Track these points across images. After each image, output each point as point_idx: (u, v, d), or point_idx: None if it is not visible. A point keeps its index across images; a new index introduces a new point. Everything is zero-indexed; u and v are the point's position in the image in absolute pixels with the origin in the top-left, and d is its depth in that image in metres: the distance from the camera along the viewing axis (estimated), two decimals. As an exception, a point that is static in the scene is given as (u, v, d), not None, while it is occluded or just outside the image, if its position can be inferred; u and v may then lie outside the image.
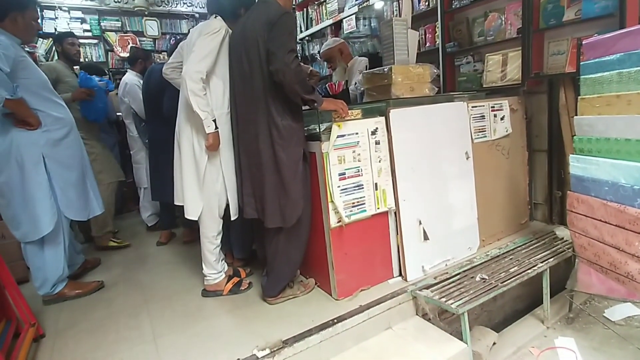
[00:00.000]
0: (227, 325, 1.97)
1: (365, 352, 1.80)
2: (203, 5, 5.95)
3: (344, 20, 4.28)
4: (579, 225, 1.93)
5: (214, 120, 1.96)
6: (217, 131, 1.97)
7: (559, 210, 2.82)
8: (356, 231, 2.06)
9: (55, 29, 4.91)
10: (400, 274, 2.23)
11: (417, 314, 2.04)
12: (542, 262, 2.17)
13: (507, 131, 2.60)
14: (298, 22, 5.26)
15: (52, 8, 5.07)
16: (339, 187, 1.98)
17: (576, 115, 1.91)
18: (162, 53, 5.76)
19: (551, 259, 2.20)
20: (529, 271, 2.10)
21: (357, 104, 2.86)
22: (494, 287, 1.98)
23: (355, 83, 3.13)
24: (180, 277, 2.56)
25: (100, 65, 4.45)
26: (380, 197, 2.11)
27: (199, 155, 2.05)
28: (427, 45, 3.60)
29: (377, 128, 2.08)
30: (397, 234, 2.19)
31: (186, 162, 2.09)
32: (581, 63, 1.87)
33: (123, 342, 1.87)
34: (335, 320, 1.84)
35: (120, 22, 5.62)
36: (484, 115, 2.48)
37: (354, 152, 2.02)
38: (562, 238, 2.48)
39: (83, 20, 5.34)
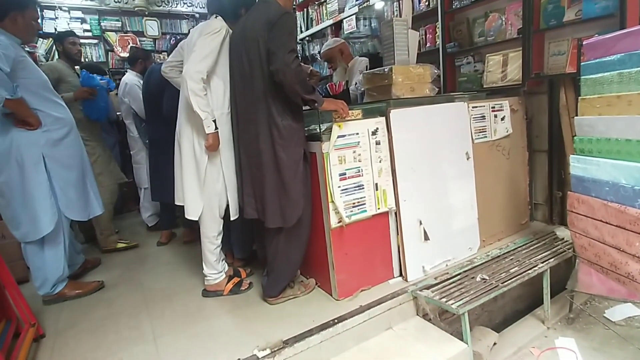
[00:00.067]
0: (228, 325, 1.96)
1: (365, 352, 1.80)
2: (203, 5, 5.95)
3: (345, 21, 4.28)
4: (579, 225, 1.93)
5: (214, 121, 1.96)
6: (217, 131, 1.97)
7: (560, 211, 2.82)
8: (357, 231, 2.06)
9: (55, 29, 4.91)
10: (401, 274, 2.23)
11: (417, 314, 2.04)
12: (542, 263, 2.17)
13: (507, 131, 2.60)
14: (298, 22, 5.26)
15: (52, 8, 5.07)
16: (339, 187, 1.98)
17: (576, 115, 1.91)
18: (162, 53, 5.76)
19: (551, 260, 2.20)
20: (529, 271, 2.10)
21: (358, 104, 2.87)
22: (495, 287, 1.97)
23: (356, 83, 3.13)
24: (181, 277, 2.56)
25: (100, 65, 4.45)
26: (380, 198, 2.11)
27: (200, 155, 2.05)
28: (428, 45, 3.60)
29: (377, 128, 2.08)
30: (398, 234, 2.19)
31: (187, 162, 2.09)
32: (582, 63, 1.87)
33: (123, 342, 1.87)
34: (336, 321, 1.84)
35: (120, 22, 5.62)
36: (484, 116, 2.48)
37: (354, 152, 2.02)
38: (563, 238, 2.48)
39: (83, 20, 5.34)
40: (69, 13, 5.22)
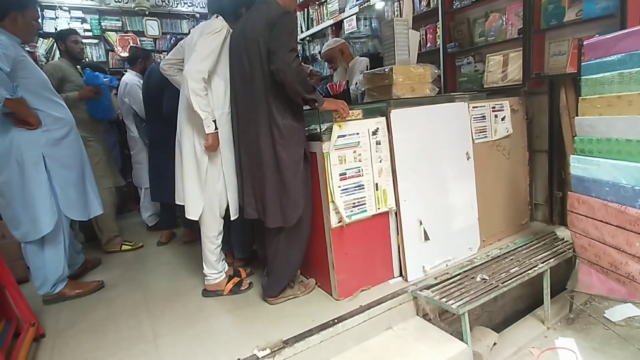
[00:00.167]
0: (228, 325, 1.97)
1: (365, 352, 1.80)
2: (204, 5, 5.95)
3: (345, 21, 4.27)
4: (579, 225, 1.93)
5: (214, 121, 1.96)
6: (217, 132, 1.97)
7: (560, 211, 2.82)
8: (357, 231, 2.06)
9: (56, 29, 4.90)
10: (401, 274, 2.23)
11: (417, 314, 2.04)
12: (542, 263, 2.17)
13: (507, 132, 2.59)
14: (299, 22, 5.26)
15: (53, 8, 5.06)
16: (339, 187, 1.98)
17: (577, 115, 1.91)
18: (163, 53, 5.76)
19: (552, 260, 2.20)
20: (529, 272, 2.10)
21: (358, 104, 2.87)
22: (495, 287, 1.97)
23: (356, 83, 3.14)
24: (181, 277, 2.56)
25: (100, 65, 4.44)
26: (380, 197, 2.11)
27: (200, 155, 2.05)
28: (428, 45, 3.60)
29: (377, 128, 2.08)
30: (398, 234, 2.19)
31: (187, 162, 2.09)
32: (582, 63, 1.87)
33: (123, 342, 1.87)
34: (336, 320, 1.84)
35: (120, 22, 5.62)
36: (484, 116, 2.48)
37: (354, 152, 2.02)
38: (563, 238, 2.48)
39: (83, 20, 5.34)
40: (70, 13, 5.22)
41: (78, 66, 3.21)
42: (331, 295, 2.09)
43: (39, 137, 2.12)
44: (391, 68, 2.22)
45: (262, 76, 1.86)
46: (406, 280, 2.19)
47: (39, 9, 4.74)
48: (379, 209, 2.11)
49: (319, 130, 1.99)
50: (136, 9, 5.58)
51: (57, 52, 4.83)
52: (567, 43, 2.56)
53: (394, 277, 2.22)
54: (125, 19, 5.66)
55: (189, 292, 2.33)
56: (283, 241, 2.00)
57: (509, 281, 2.02)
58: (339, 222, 1.99)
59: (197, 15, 6.05)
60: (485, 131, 2.49)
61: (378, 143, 2.09)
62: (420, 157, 2.21)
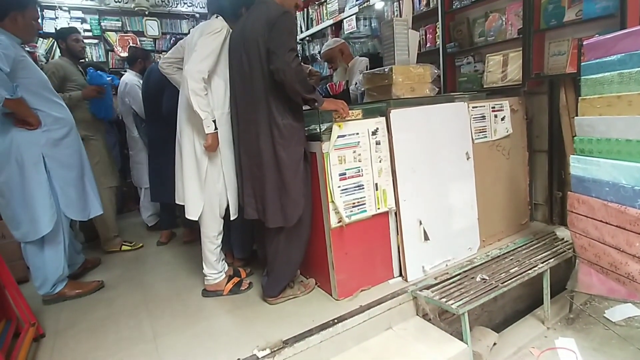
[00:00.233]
0: (228, 325, 1.97)
1: (365, 352, 1.80)
2: (203, 5, 5.95)
3: (345, 21, 4.28)
4: (579, 225, 1.93)
5: (214, 121, 1.96)
6: (217, 132, 1.97)
7: (560, 211, 2.82)
8: (356, 231, 2.06)
9: (56, 29, 4.89)
10: (401, 274, 2.23)
11: (417, 314, 2.04)
12: (542, 263, 2.17)
13: (507, 132, 2.60)
14: (299, 22, 5.26)
15: (53, 8, 5.06)
16: (339, 187, 1.98)
17: (577, 115, 1.91)
18: (163, 53, 5.75)
19: (551, 260, 2.20)
20: (529, 272, 2.10)
21: (358, 104, 2.87)
22: (495, 287, 1.97)
23: (356, 83, 3.14)
24: (181, 277, 2.56)
25: (100, 65, 4.44)
26: (380, 197, 2.11)
27: (200, 155, 2.05)
28: (428, 45, 3.60)
29: (377, 128, 2.08)
30: (398, 234, 2.19)
31: (187, 161, 2.09)
32: (582, 63, 1.87)
33: (123, 342, 1.87)
34: (336, 320, 1.84)
35: (120, 22, 5.61)
36: (484, 116, 2.48)
37: (354, 152, 2.02)
38: (563, 239, 2.48)
39: (83, 20, 5.33)
40: (69, 13, 5.21)
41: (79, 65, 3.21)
42: (331, 295, 2.09)
43: (39, 137, 2.12)
44: (391, 68, 2.22)
45: (261, 76, 1.85)
46: (406, 280, 2.19)
47: (38, 9, 4.74)
48: (378, 209, 2.11)
49: (318, 130, 1.99)
50: (136, 9, 5.58)
51: (57, 52, 4.85)
52: (567, 43, 2.56)
53: (393, 277, 2.22)
54: (125, 19, 5.66)
55: (189, 292, 2.33)
56: (283, 241, 2.00)
57: (509, 281, 2.02)
58: (339, 222, 1.99)
59: (197, 15, 6.05)
60: (485, 131, 2.49)
61: (378, 143, 2.09)
62: (420, 157, 2.21)
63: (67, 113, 2.30)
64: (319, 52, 4.49)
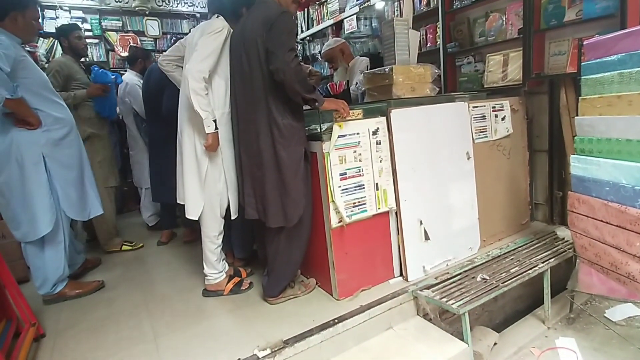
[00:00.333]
0: (228, 325, 1.97)
1: (366, 352, 1.80)
2: (204, 5, 5.95)
3: (345, 21, 4.28)
4: (579, 225, 1.93)
5: (215, 121, 1.96)
6: (217, 132, 1.97)
7: (560, 211, 2.82)
8: (357, 231, 2.06)
9: (56, 28, 4.91)
10: (401, 274, 2.23)
11: (418, 314, 2.04)
12: (543, 263, 2.17)
13: (508, 131, 2.59)
14: (299, 22, 5.26)
15: (53, 7, 5.06)
16: (339, 187, 1.98)
17: (577, 115, 1.91)
18: (163, 53, 5.75)
19: (552, 260, 2.20)
20: (529, 271, 2.10)
21: (358, 104, 2.87)
22: (495, 287, 1.97)
23: (357, 83, 3.14)
24: (181, 277, 2.56)
25: (101, 65, 4.45)
26: (381, 197, 2.11)
27: (201, 154, 2.05)
28: (428, 45, 3.60)
29: (378, 128, 2.08)
30: (398, 234, 2.19)
31: (188, 161, 2.09)
32: (582, 63, 1.87)
33: (123, 342, 1.87)
34: (336, 320, 1.84)
35: (121, 22, 5.62)
36: (485, 116, 2.48)
37: (355, 152, 2.02)
38: (563, 238, 2.48)
39: (84, 20, 5.34)
40: (70, 13, 5.22)
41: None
42: (331, 295, 2.09)
43: (39, 137, 2.12)
44: (391, 68, 2.22)
45: (261, 76, 1.85)
46: (406, 280, 2.19)
47: (39, 9, 4.74)
48: (379, 208, 2.11)
49: (319, 130, 1.99)
50: (136, 8, 5.58)
51: (57, 52, 4.85)
52: (567, 43, 2.56)
53: (394, 277, 2.22)
54: (126, 18, 5.66)
55: (189, 292, 2.32)
56: (283, 241, 2.00)
57: (510, 281, 2.02)
58: (339, 221, 1.99)
59: (198, 15, 6.06)
60: (486, 131, 2.49)
61: (378, 143, 2.09)
62: (421, 157, 2.21)
63: (68, 113, 2.30)
64: (320, 52, 4.49)
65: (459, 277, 2.14)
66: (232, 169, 2.12)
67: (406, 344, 1.83)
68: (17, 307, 1.92)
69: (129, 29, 5.70)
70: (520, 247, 2.44)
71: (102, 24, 5.50)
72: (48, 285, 2.25)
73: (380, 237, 2.17)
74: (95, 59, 5.42)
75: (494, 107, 2.52)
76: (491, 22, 3.00)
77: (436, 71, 2.38)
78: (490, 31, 3.01)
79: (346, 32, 4.29)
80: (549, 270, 2.15)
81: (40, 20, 4.27)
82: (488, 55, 2.96)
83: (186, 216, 2.15)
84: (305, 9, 5.14)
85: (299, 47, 5.53)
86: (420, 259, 2.22)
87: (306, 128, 2.02)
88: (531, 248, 2.40)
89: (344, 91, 3.03)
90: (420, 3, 3.54)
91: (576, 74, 1.95)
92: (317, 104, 1.85)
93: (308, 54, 5.52)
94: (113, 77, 3.04)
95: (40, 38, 4.91)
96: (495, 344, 2.00)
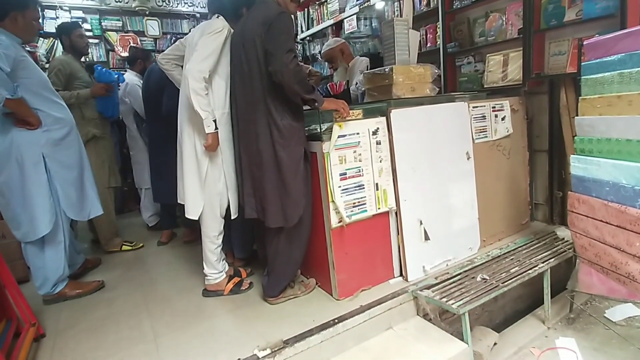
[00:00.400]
0: (228, 325, 1.97)
1: (366, 352, 1.80)
2: (204, 5, 5.95)
3: (345, 21, 4.28)
4: (579, 225, 1.93)
5: (215, 121, 1.96)
6: (217, 132, 1.97)
7: (560, 211, 2.82)
8: (357, 231, 2.06)
9: (56, 26, 4.91)
10: (401, 274, 2.23)
11: (418, 314, 2.04)
12: (543, 263, 2.17)
13: (508, 131, 2.59)
14: (299, 22, 5.26)
15: (53, 7, 5.07)
16: (339, 187, 1.98)
17: (577, 115, 1.91)
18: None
19: (552, 260, 2.20)
20: (529, 271, 2.10)
21: (358, 104, 2.87)
22: (495, 287, 1.97)
23: (357, 83, 3.14)
24: (181, 277, 2.56)
25: (101, 64, 4.44)
26: (381, 197, 2.11)
27: (201, 154, 2.05)
28: (428, 45, 3.60)
29: (378, 128, 2.08)
30: (398, 234, 2.19)
31: (188, 161, 2.09)
32: (582, 63, 1.88)
33: (123, 342, 1.87)
34: (336, 320, 1.84)
35: (121, 22, 5.62)
36: (484, 116, 2.48)
37: (355, 152, 2.02)
38: (563, 238, 2.48)
39: (84, 20, 5.33)
40: (70, 13, 5.22)
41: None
42: (331, 295, 2.09)
43: (39, 137, 2.12)
44: (391, 68, 2.22)
45: (260, 76, 1.86)
46: (406, 280, 2.19)
47: (39, 9, 4.74)
48: (379, 208, 2.11)
49: (319, 130, 1.99)
50: (137, 9, 5.58)
51: (58, 51, 4.85)
52: (567, 43, 2.56)
53: (394, 277, 2.22)
54: (126, 18, 5.66)
55: (189, 292, 2.32)
56: (283, 241, 2.00)
57: (509, 281, 2.02)
58: (339, 222, 1.99)
59: (198, 15, 6.05)
60: (486, 131, 2.49)
61: (378, 143, 2.09)
62: (421, 157, 2.21)
63: (68, 113, 2.30)
64: (320, 52, 4.49)
65: (459, 277, 2.14)
66: (232, 169, 2.12)
67: (406, 344, 1.83)
68: (17, 307, 1.92)
69: (129, 29, 5.70)
70: (520, 247, 2.44)
71: (102, 24, 5.50)
72: (48, 285, 2.25)
73: (380, 237, 2.17)
74: (95, 59, 5.42)
75: (494, 107, 2.53)
76: (491, 22, 3.00)
77: (436, 71, 2.38)
78: (490, 31, 3.01)
79: (346, 32, 4.29)
80: (549, 270, 2.15)
81: (40, 20, 4.27)
82: (488, 55, 2.96)
83: (186, 216, 2.15)
84: (305, 9, 5.14)
85: (299, 47, 5.53)
86: (420, 259, 2.22)
87: (306, 128, 2.02)
88: (531, 248, 2.40)
89: (344, 91, 3.03)
90: (420, 3, 3.55)
91: (576, 74, 1.95)
92: (316, 104, 1.85)
93: (308, 54, 5.52)
94: (116, 76, 3.01)
95: (41, 38, 4.91)
96: (495, 344, 2.00)
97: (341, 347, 1.80)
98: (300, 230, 1.98)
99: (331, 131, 1.93)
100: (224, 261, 2.27)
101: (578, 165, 1.88)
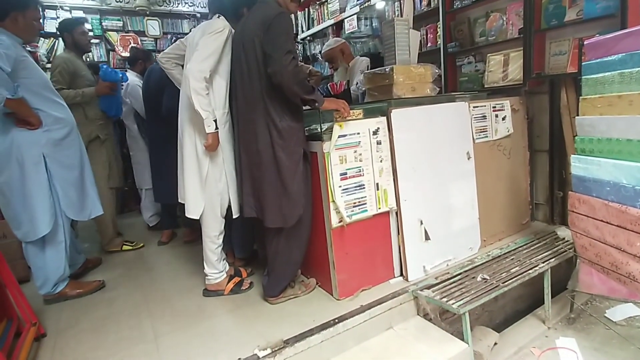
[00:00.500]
0: (228, 325, 1.97)
1: (366, 352, 1.80)
2: (204, 5, 5.95)
3: (346, 20, 4.28)
4: (580, 225, 1.93)
5: (215, 120, 1.96)
6: (217, 131, 1.97)
7: (560, 211, 2.81)
8: (357, 231, 2.06)
9: (59, 24, 4.92)
10: (402, 274, 2.23)
11: (418, 314, 2.04)
12: (543, 263, 2.17)
13: (508, 131, 2.59)
14: (300, 22, 5.26)
15: (54, 7, 5.07)
16: (340, 187, 1.98)
17: (578, 115, 1.91)
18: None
19: (552, 259, 2.20)
20: (530, 271, 2.10)
21: (359, 104, 2.87)
22: (495, 287, 1.97)
23: (357, 83, 3.14)
24: (182, 277, 2.56)
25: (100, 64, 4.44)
26: (381, 197, 2.11)
27: (201, 154, 2.05)
28: (429, 45, 3.60)
29: (378, 128, 2.08)
30: (399, 234, 2.19)
31: (188, 161, 2.09)
32: (583, 63, 1.87)
33: (124, 342, 1.87)
34: (337, 320, 1.84)
35: (121, 22, 5.63)
36: (485, 116, 2.48)
37: (355, 152, 2.02)
38: (564, 238, 2.48)
39: (84, 20, 5.35)
40: (71, 13, 5.22)
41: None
42: (332, 295, 2.09)
43: (40, 137, 2.12)
44: (392, 68, 2.22)
45: (259, 77, 1.86)
46: (407, 280, 2.19)
47: (40, 9, 4.73)
48: (379, 208, 2.11)
49: (319, 130, 1.99)
50: (137, 9, 5.59)
51: (59, 50, 4.85)
52: (567, 43, 2.56)
53: (394, 277, 2.23)
54: (126, 18, 5.67)
55: (189, 291, 2.33)
56: (283, 241, 2.00)
57: (510, 281, 2.02)
58: (340, 221, 1.99)
59: (198, 15, 6.06)
60: (486, 131, 2.49)
61: (379, 143, 2.09)
62: (421, 156, 2.21)
63: (68, 113, 2.30)
64: (320, 52, 4.49)
65: (459, 277, 2.14)
66: (233, 168, 2.12)
67: (406, 344, 1.83)
68: (18, 306, 1.92)
69: (130, 29, 5.70)
70: (520, 247, 2.44)
71: (103, 24, 5.50)
72: (49, 285, 2.25)
73: (381, 237, 2.17)
74: (96, 59, 5.43)
75: (495, 107, 2.52)
76: (492, 22, 3.00)
77: (437, 71, 2.38)
78: (491, 31, 3.01)
79: (346, 32, 4.29)
80: (549, 270, 2.15)
81: (41, 20, 4.28)
82: (488, 55, 2.96)
83: (187, 215, 2.15)
84: (306, 9, 5.14)
85: (300, 47, 5.53)
86: (420, 259, 2.22)
87: (306, 128, 2.02)
88: (531, 248, 2.40)
89: (344, 91, 3.03)
90: (420, 3, 3.54)
91: (577, 73, 1.95)
92: (317, 104, 1.85)
93: (308, 54, 5.52)
94: (121, 75, 3.01)
95: (41, 38, 4.92)
96: (495, 343, 2.00)
97: (341, 347, 1.80)
98: (300, 230, 1.98)
99: (331, 131, 1.93)
100: (225, 261, 2.27)
101: (579, 165, 1.88)
